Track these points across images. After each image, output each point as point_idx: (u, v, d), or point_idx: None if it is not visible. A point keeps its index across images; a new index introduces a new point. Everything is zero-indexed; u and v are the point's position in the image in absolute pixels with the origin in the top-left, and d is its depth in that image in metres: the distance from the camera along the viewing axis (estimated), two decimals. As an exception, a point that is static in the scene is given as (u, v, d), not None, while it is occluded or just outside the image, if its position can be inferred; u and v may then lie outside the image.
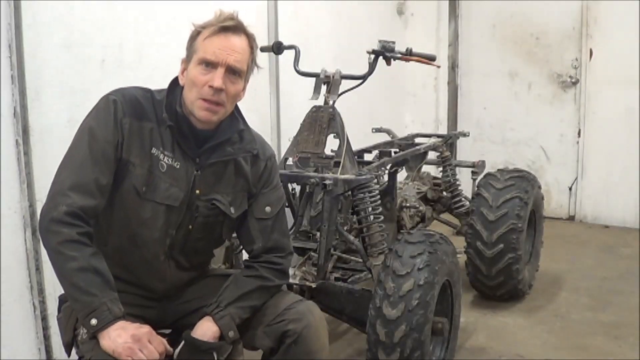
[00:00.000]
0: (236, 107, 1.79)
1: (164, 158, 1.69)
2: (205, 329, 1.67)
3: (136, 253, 1.72)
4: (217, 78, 1.63)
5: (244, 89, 1.74)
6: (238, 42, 1.67)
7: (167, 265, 1.76)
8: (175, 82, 1.75)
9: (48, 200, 1.60)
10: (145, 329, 1.56)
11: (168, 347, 1.60)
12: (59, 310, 1.82)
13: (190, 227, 1.76)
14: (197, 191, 1.74)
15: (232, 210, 1.79)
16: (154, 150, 1.68)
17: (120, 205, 1.67)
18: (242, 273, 1.82)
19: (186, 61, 1.71)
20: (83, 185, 1.58)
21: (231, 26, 1.66)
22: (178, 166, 1.71)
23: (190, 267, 1.84)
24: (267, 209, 1.84)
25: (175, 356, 1.63)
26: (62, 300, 1.82)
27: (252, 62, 1.74)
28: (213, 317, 1.69)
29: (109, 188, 1.64)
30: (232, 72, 1.66)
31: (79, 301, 1.53)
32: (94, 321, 1.51)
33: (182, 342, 1.66)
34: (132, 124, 1.66)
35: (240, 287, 1.76)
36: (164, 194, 1.69)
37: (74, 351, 1.74)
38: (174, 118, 1.70)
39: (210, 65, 1.64)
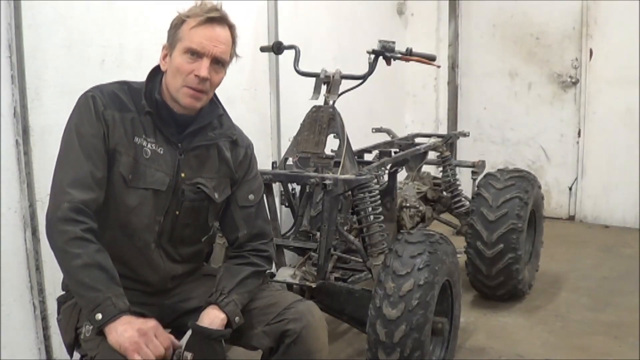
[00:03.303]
0: (214, 94, 1.83)
1: (147, 145, 1.72)
2: (213, 317, 1.69)
3: (128, 243, 1.73)
4: (203, 68, 1.67)
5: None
6: (223, 33, 1.71)
7: (158, 254, 1.78)
8: (155, 70, 1.78)
9: (50, 202, 1.62)
10: (152, 323, 1.57)
11: (175, 341, 1.61)
12: (59, 312, 1.82)
13: (177, 212, 1.78)
14: (182, 174, 1.77)
15: (216, 195, 1.82)
16: (136, 139, 1.71)
17: (110, 195, 1.68)
18: (233, 262, 1.86)
19: (169, 48, 1.73)
20: (80, 180, 1.60)
21: (217, 17, 1.70)
22: (162, 151, 1.74)
23: (181, 260, 1.85)
24: (251, 196, 1.89)
25: (182, 347, 1.63)
26: (60, 301, 1.83)
27: (234, 52, 1.78)
28: (218, 304, 1.71)
29: (105, 181, 1.66)
30: (217, 62, 1.71)
31: (85, 297, 1.55)
32: (99, 316, 1.52)
33: (189, 333, 1.66)
34: (114, 115, 1.69)
35: (235, 275, 1.79)
36: (150, 179, 1.71)
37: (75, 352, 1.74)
38: (153, 105, 1.73)
39: (195, 54, 1.68)
